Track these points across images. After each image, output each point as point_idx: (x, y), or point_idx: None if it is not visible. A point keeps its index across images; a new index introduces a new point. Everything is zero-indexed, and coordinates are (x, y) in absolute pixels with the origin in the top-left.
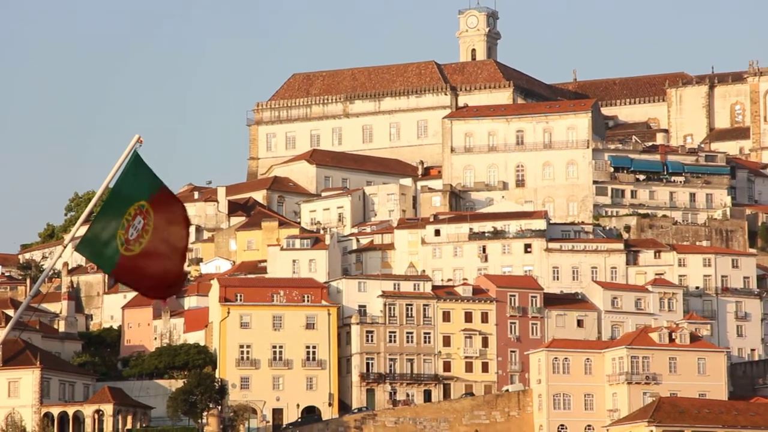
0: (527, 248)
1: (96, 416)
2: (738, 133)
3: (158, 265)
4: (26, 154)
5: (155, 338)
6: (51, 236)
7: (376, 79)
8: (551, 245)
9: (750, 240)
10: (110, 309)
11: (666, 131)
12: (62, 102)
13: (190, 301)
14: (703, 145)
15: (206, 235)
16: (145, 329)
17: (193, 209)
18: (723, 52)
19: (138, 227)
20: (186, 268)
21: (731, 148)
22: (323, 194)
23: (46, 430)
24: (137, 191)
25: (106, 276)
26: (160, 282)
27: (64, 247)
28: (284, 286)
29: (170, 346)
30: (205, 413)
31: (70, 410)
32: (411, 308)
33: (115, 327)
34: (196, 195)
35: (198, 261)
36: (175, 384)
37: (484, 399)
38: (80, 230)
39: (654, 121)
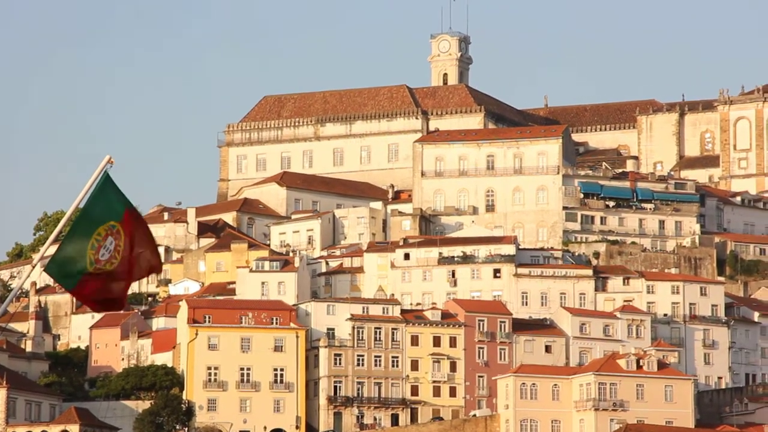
0: (496, 273)
1: None
2: (708, 161)
3: (122, 283)
4: None
5: (123, 359)
6: (19, 255)
7: (347, 102)
8: (520, 270)
9: (718, 268)
10: (78, 329)
11: (636, 158)
12: (32, 120)
13: (158, 322)
14: (672, 173)
15: (175, 256)
16: (113, 350)
17: (162, 230)
18: (694, 80)
19: (110, 248)
20: (155, 289)
21: (701, 176)
22: (293, 217)
23: None
24: (107, 212)
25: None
26: (117, 297)
27: (33, 267)
28: (253, 308)
29: (137, 367)
30: None
31: (36, 430)
32: (379, 332)
33: (83, 347)
34: (165, 216)
35: (167, 282)
36: (142, 405)
37: (451, 424)
38: (49, 250)
39: (624, 147)
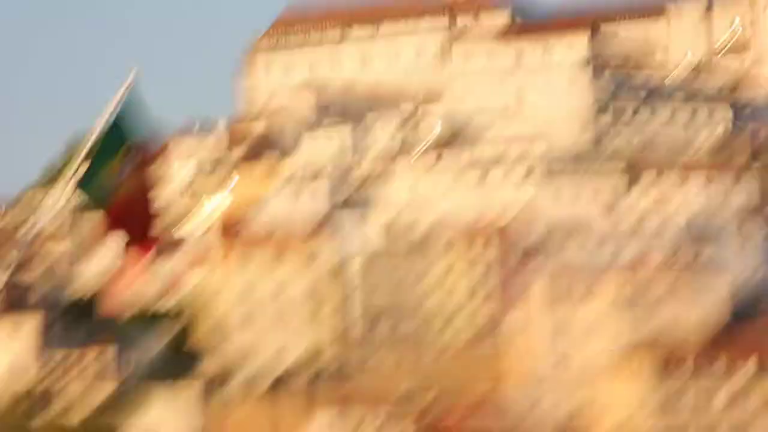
0: (528, 173)
1: None
2: (739, 47)
3: (143, 207)
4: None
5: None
6: (50, 178)
7: (373, 3)
8: (552, 168)
9: (752, 158)
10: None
11: (665, 49)
12: (56, 37)
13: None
14: (703, 62)
15: (206, 168)
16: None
17: (192, 142)
18: None
19: (127, 169)
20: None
21: (732, 63)
22: (324, 124)
23: None
24: (133, 130)
25: None
26: (145, 224)
27: (63, 188)
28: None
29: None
30: None
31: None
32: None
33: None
34: (195, 128)
35: (199, 197)
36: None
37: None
38: (78, 171)
39: (653, 38)
